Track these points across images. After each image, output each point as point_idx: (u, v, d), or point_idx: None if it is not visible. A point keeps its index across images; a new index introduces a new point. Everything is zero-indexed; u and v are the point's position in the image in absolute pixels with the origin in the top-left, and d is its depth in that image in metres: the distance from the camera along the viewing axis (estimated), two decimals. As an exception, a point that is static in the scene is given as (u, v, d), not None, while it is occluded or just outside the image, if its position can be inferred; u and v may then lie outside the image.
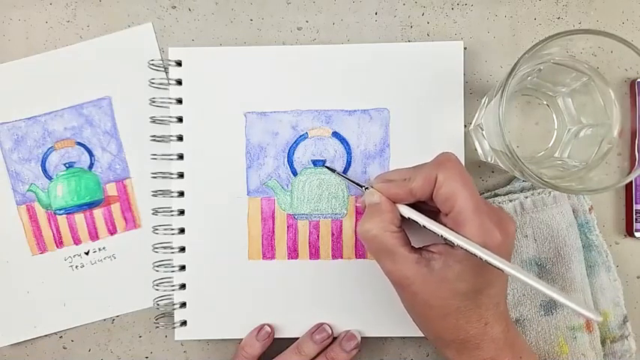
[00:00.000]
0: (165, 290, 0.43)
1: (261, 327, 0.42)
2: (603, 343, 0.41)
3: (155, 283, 0.43)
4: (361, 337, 0.42)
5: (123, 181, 0.45)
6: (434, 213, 0.33)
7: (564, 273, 0.40)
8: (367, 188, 0.36)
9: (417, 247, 0.33)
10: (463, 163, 0.41)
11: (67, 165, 0.45)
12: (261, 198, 0.43)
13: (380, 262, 0.33)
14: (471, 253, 0.29)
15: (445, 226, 0.32)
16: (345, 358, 0.41)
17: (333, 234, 0.43)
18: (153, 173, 0.43)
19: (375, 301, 0.42)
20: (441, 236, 0.31)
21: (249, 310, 0.43)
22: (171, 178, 0.43)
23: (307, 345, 0.41)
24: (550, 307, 0.41)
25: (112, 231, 0.45)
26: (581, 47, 0.34)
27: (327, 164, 0.42)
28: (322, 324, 0.42)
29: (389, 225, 0.32)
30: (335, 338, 0.42)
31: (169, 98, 0.43)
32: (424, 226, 0.32)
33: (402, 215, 0.34)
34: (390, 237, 0.32)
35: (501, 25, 0.44)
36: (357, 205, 0.38)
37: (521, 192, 0.41)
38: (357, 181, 0.39)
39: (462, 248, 0.30)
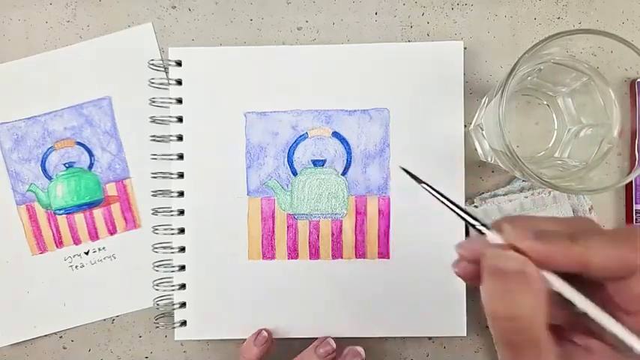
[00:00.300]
0: (165, 290, 0.43)
1: (259, 332, 0.42)
2: (603, 343, 0.41)
3: (155, 283, 0.43)
4: (361, 337, 0.42)
5: (123, 181, 0.45)
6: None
7: (564, 273, 0.40)
8: (490, 231, 0.23)
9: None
10: (463, 163, 0.42)
11: (67, 165, 0.45)
12: (261, 198, 0.43)
13: (512, 353, 0.22)
14: None
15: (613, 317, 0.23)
16: None
17: (333, 234, 0.43)
18: (153, 173, 0.43)
19: (375, 301, 0.42)
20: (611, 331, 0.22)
21: (249, 310, 0.43)
22: (171, 178, 0.43)
23: (311, 359, 0.40)
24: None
25: (112, 231, 0.45)
26: (581, 47, 0.34)
27: (403, 167, 0.30)
28: (326, 337, 0.41)
29: (543, 306, 0.21)
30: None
31: (169, 98, 0.43)
32: (586, 313, 0.23)
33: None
34: (542, 326, 0.22)
35: (501, 25, 0.44)
36: (461, 253, 0.24)
37: (521, 192, 0.41)
38: (472, 216, 0.24)
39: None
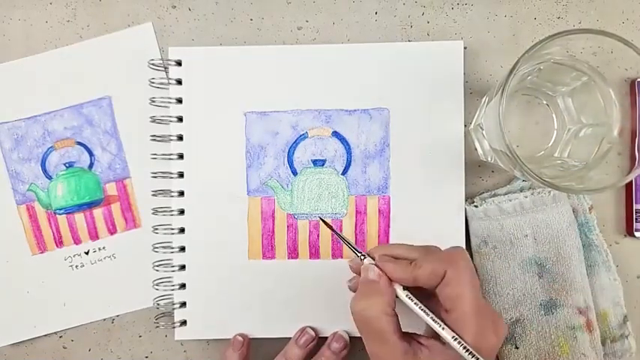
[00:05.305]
0: (165, 290, 0.43)
1: (234, 338, 0.42)
2: (603, 342, 0.41)
3: (155, 282, 0.43)
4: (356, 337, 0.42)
5: (123, 181, 0.45)
6: (426, 292, 0.32)
7: (564, 273, 0.40)
8: (364, 256, 0.34)
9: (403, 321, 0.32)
10: (463, 163, 0.42)
11: (67, 165, 0.45)
12: (261, 198, 0.43)
13: (367, 342, 0.32)
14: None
15: (440, 317, 0.31)
16: (336, 359, 0.41)
17: (333, 234, 0.43)
18: (153, 173, 0.43)
19: (375, 301, 0.42)
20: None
21: (249, 310, 0.43)
22: (171, 177, 0.43)
23: (293, 351, 0.41)
24: (550, 307, 0.41)
25: (112, 231, 0.45)
26: (581, 47, 0.34)
27: (325, 218, 0.41)
28: (305, 328, 0.42)
29: (386, 307, 0.31)
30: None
31: (169, 98, 0.43)
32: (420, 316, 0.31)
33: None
34: (384, 321, 0.31)
35: (501, 25, 0.44)
36: (350, 265, 0.36)
37: (521, 192, 0.41)
38: (354, 247, 0.35)
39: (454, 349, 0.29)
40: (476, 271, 0.43)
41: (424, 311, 0.31)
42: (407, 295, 0.32)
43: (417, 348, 0.31)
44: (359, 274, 0.35)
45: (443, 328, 0.30)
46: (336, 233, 0.37)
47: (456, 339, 0.29)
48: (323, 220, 0.38)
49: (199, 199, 0.43)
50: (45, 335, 0.45)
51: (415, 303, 0.32)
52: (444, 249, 0.34)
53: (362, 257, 0.34)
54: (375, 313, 0.31)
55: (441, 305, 0.31)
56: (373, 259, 0.34)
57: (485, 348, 0.29)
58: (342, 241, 0.36)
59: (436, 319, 0.31)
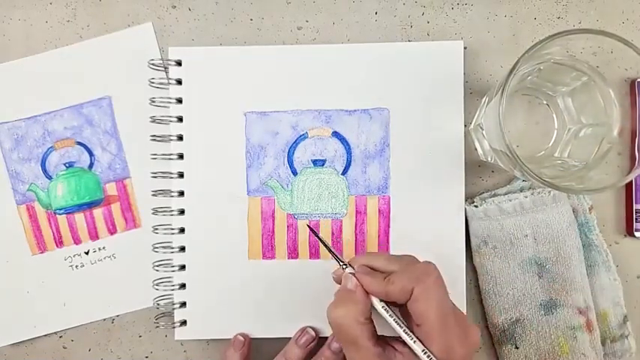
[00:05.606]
0: (165, 290, 0.43)
1: (235, 337, 0.42)
2: (603, 342, 0.41)
3: (155, 282, 0.43)
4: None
5: (123, 181, 0.45)
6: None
7: (564, 273, 0.40)
8: (346, 266, 0.35)
9: (379, 329, 0.33)
10: (463, 163, 0.42)
11: (67, 165, 0.45)
12: (261, 198, 0.43)
13: (344, 347, 0.33)
14: None
15: (411, 329, 0.32)
16: (336, 359, 0.41)
17: (333, 233, 0.43)
18: (153, 173, 0.43)
19: (375, 301, 0.42)
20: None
21: (249, 310, 0.43)
22: (171, 177, 0.43)
23: (293, 351, 0.41)
24: (550, 307, 0.41)
25: (112, 231, 0.45)
26: (581, 47, 0.34)
27: (314, 228, 0.42)
28: (305, 328, 0.42)
29: (360, 316, 0.32)
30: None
31: (169, 98, 0.43)
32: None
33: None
34: (358, 328, 0.32)
35: (501, 25, 0.44)
36: (333, 276, 0.37)
37: (521, 192, 0.41)
38: (337, 256, 0.36)
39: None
40: (475, 271, 0.43)
41: (397, 323, 0.33)
42: (383, 307, 0.33)
43: (391, 354, 0.33)
44: (337, 278, 0.36)
45: (414, 342, 0.32)
46: (321, 240, 0.38)
47: (425, 352, 0.31)
48: (310, 228, 0.39)
49: (199, 199, 0.43)
50: (45, 335, 0.45)
51: (390, 315, 0.33)
52: (417, 264, 0.34)
53: (343, 267, 0.35)
54: (348, 321, 0.32)
55: (411, 318, 0.33)
56: (354, 268, 0.35)
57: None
58: (327, 249, 0.37)
59: (408, 331, 0.32)
